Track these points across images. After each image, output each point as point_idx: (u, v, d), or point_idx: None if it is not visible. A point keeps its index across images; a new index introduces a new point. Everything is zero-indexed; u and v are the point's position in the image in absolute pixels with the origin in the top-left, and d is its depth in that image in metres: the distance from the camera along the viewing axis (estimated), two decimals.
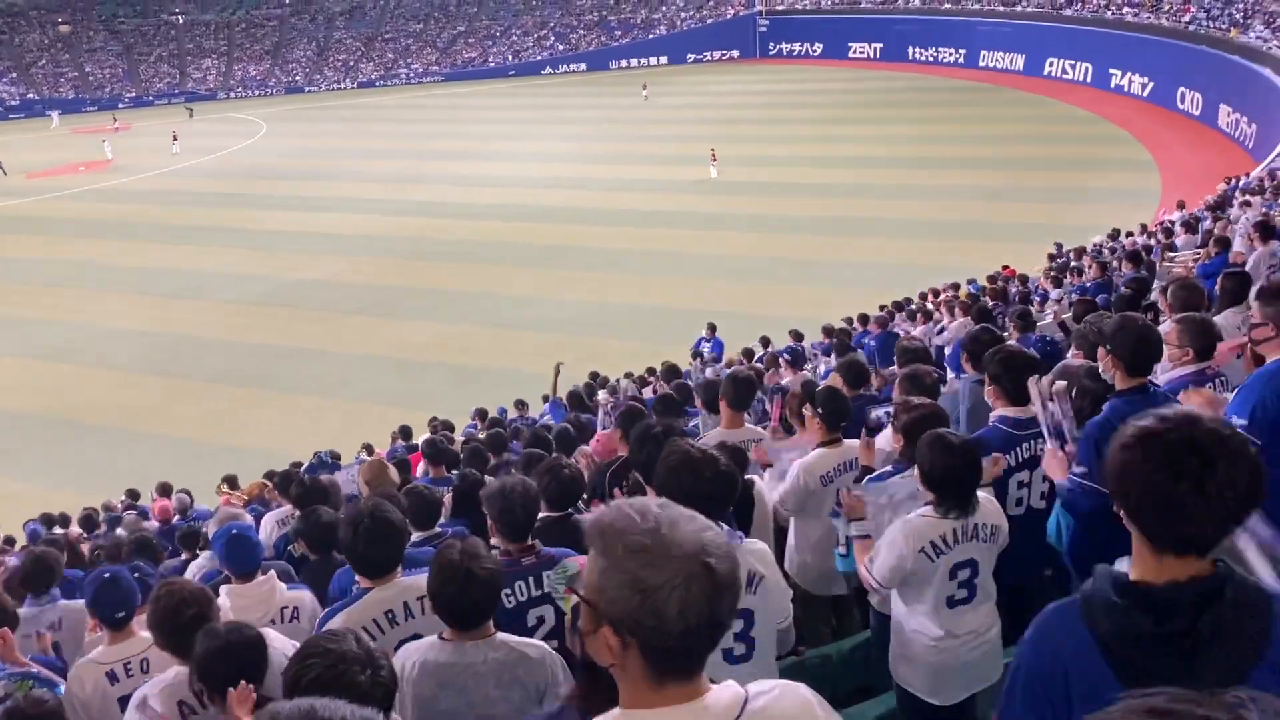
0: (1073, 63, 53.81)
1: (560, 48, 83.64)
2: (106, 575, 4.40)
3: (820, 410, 5.36)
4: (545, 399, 17.14)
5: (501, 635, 3.33)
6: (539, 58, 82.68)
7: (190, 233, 36.42)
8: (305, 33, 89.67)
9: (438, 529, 5.69)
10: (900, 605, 4.15)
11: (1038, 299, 15.39)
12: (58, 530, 12.59)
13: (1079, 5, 57.35)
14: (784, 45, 76.01)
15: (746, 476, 5.04)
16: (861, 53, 70.04)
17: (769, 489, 5.37)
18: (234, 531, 4.84)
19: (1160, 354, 4.62)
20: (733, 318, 21.14)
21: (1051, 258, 20.23)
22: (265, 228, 36.51)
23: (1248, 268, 9.81)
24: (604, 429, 8.55)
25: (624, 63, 79.21)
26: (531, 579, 3.96)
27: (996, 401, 4.81)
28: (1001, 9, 62.57)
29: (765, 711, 1.78)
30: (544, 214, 35.25)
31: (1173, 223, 19.12)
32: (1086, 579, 2.19)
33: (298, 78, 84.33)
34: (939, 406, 4.83)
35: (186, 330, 26.60)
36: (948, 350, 11.34)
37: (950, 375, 7.79)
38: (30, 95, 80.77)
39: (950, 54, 63.60)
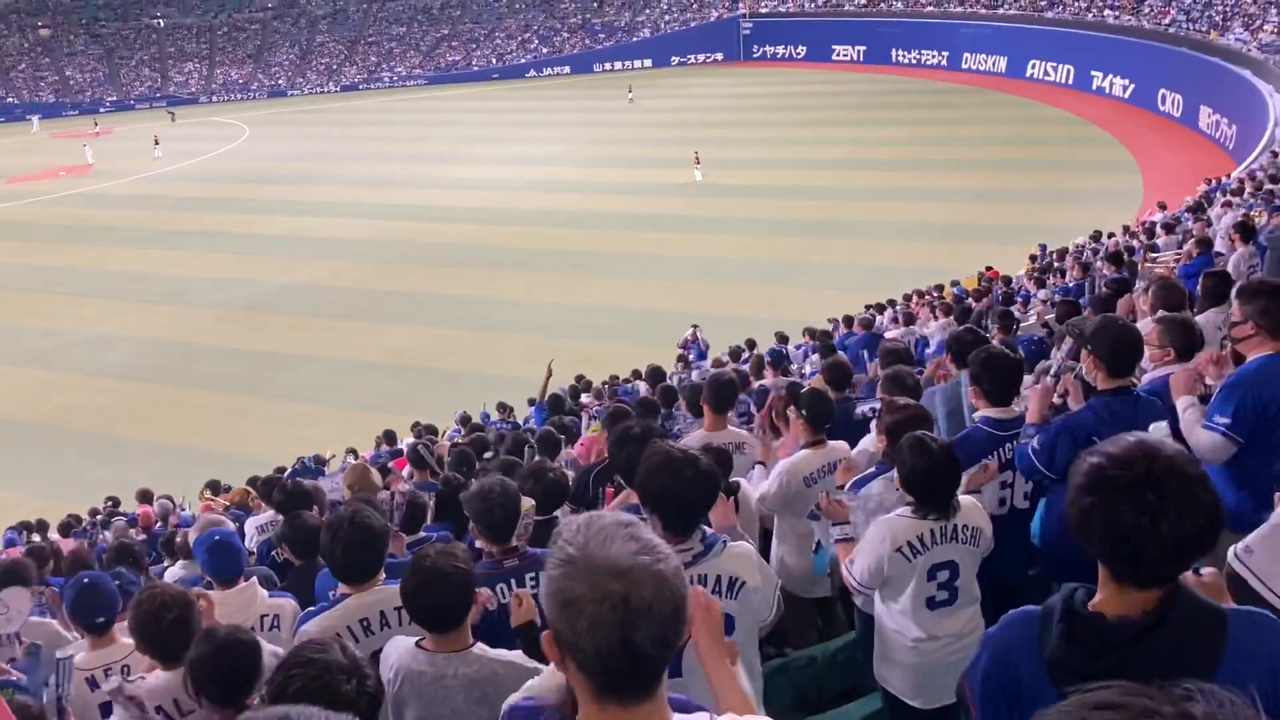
0: (1055, 65, 54.13)
1: (544, 50, 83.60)
2: (85, 580, 4.36)
3: (804, 412, 5.37)
4: (531, 403, 17.11)
5: (478, 649, 3.31)
6: (523, 61, 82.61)
7: (172, 237, 36.22)
8: (288, 36, 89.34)
9: (423, 534, 5.68)
10: (881, 606, 4.16)
11: (1021, 299, 15.46)
12: (53, 536, 12.48)
13: (1060, 8, 57.73)
14: (768, 48, 76.16)
15: (732, 479, 5.05)
16: (845, 55, 70.26)
17: (754, 489, 5.37)
18: (216, 538, 4.80)
19: (1141, 355, 4.64)
20: (718, 320, 21.18)
21: (1034, 259, 20.34)
22: (248, 232, 36.35)
23: (1228, 268, 9.87)
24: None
25: (608, 66, 79.24)
26: (514, 580, 3.94)
27: (979, 402, 4.82)
28: (984, 11, 62.92)
29: None
30: (529, 217, 35.21)
31: (1154, 224, 19.24)
32: (1061, 576, 2.23)
33: (280, 81, 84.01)
34: (922, 407, 4.83)
35: (169, 336, 26.45)
36: (930, 351, 11.38)
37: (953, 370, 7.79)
38: (10, 100, 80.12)
39: (933, 56, 63.88)
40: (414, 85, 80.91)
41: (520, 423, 15.47)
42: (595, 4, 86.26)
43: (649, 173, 40.62)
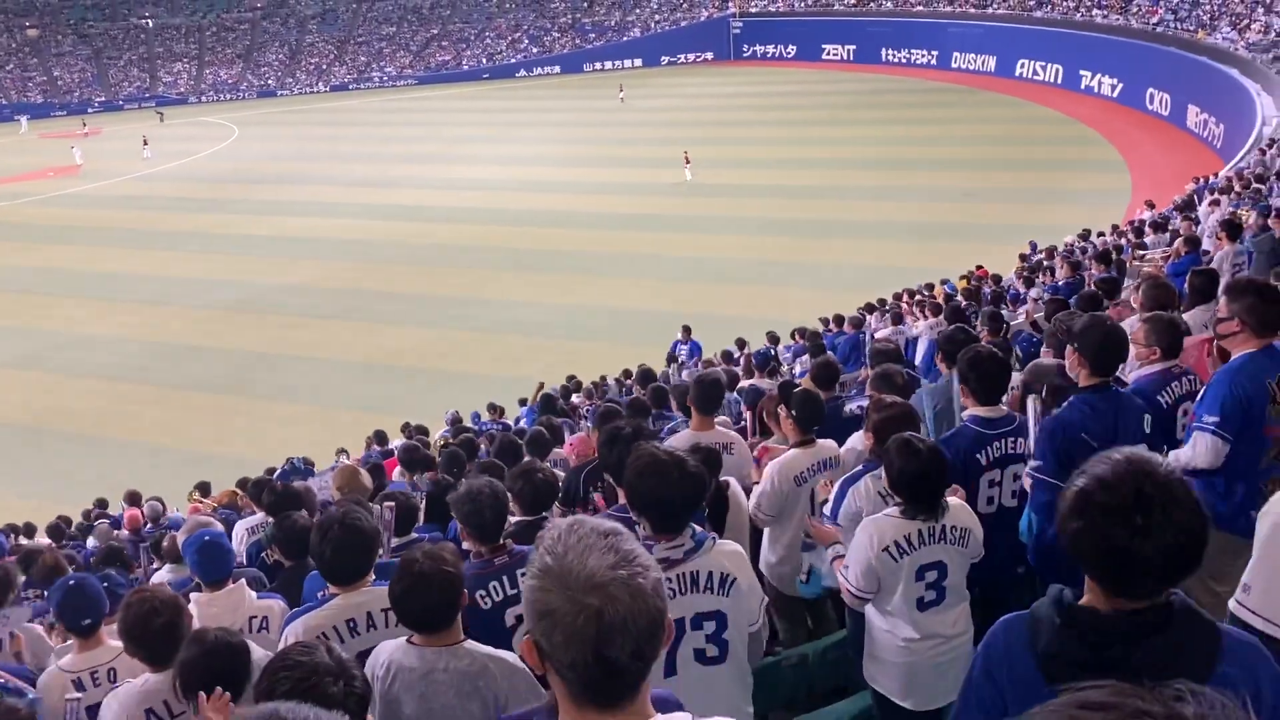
0: (1043, 64, 54.31)
1: (534, 50, 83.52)
2: (71, 582, 4.36)
3: (794, 413, 5.38)
4: (522, 403, 17.11)
5: (469, 644, 3.30)
6: (513, 60, 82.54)
7: (161, 238, 36.09)
8: (277, 36, 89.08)
9: (414, 534, 5.68)
10: (871, 606, 4.16)
11: (1011, 298, 15.51)
12: (41, 540, 12.41)
13: (1049, 7, 57.91)
14: (758, 47, 76.25)
15: (722, 478, 5.06)
16: (835, 55, 70.38)
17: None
18: (205, 538, 4.80)
19: (1126, 355, 4.67)
20: (709, 320, 21.18)
21: (1024, 258, 20.39)
22: (238, 232, 36.24)
23: (1214, 265, 9.92)
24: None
25: (598, 65, 79.21)
26: (506, 578, 3.95)
27: (967, 401, 4.84)
28: (973, 11, 63.09)
29: None
30: (520, 217, 35.18)
31: (1143, 222, 19.31)
32: (1049, 576, 2.23)
33: (270, 81, 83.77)
34: (910, 406, 4.86)
35: (158, 337, 26.35)
36: (920, 351, 11.41)
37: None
38: None
39: (923, 56, 64.02)
40: (404, 85, 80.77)
41: (510, 424, 15.46)
42: (585, 3, 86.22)
43: (639, 172, 40.62)
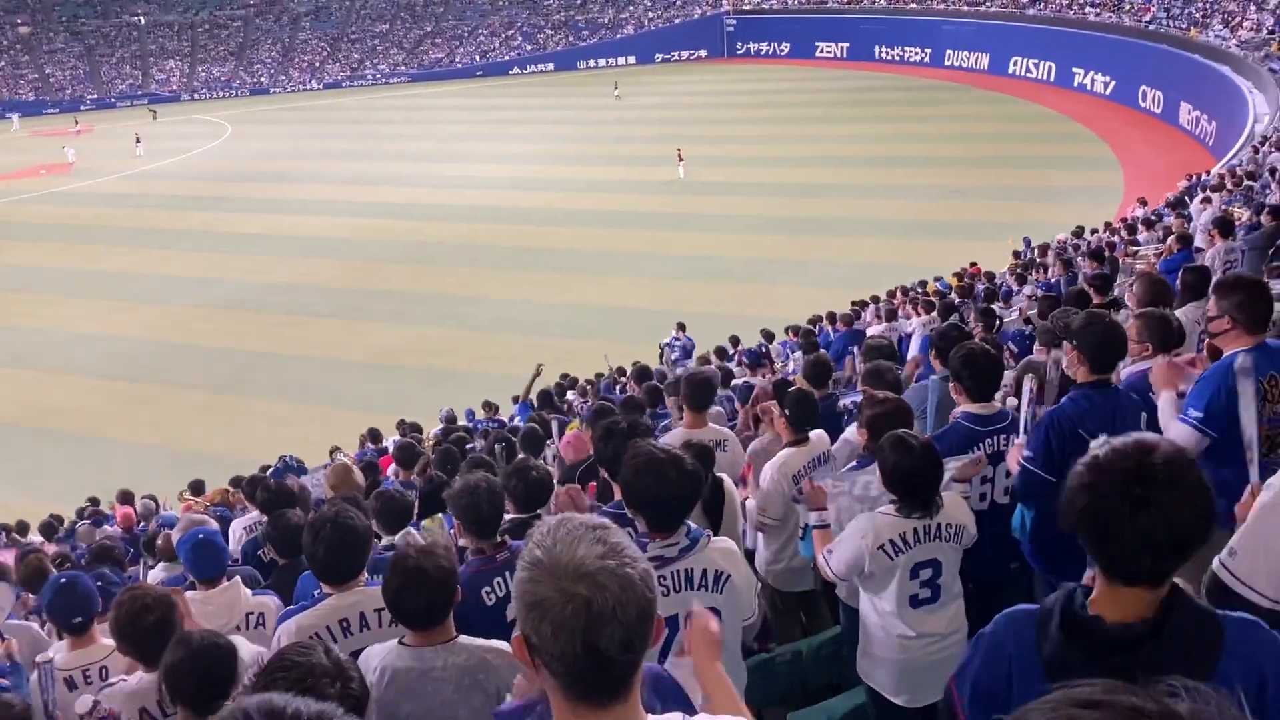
0: (1036, 62, 54.39)
1: (528, 48, 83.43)
2: (63, 580, 4.35)
3: (787, 412, 5.39)
4: (515, 400, 17.09)
5: (463, 639, 3.29)
6: (506, 58, 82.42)
7: (154, 236, 36.00)
8: (270, 34, 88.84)
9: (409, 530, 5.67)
10: (865, 602, 4.17)
11: (1003, 295, 15.55)
12: (34, 539, 12.40)
13: (1042, 5, 57.98)
14: (752, 45, 76.27)
15: (717, 474, 5.06)
16: (829, 52, 70.41)
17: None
18: (200, 536, 4.80)
19: (1125, 351, 4.68)
20: (703, 317, 21.20)
21: (1017, 255, 20.44)
22: (231, 230, 36.16)
23: (1206, 262, 9.94)
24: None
25: (592, 63, 79.15)
26: (508, 574, 3.94)
27: (959, 398, 4.85)
28: (966, 8, 63.15)
29: None
30: (514, 215, 35.15)
31: (1135, 219, 19.37)
32: (1042, 571, 2.22)
33: (263, 79, 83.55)
34: (904, 401, 4.87)
35: (151, 335, 26.29)
36: (913, 347, 11.42)
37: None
38: None
39: (916, 53, 64.08)
40: (397, 83, 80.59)
41: (505, 420, 15.46)
42: (579, 1, 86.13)
43: (633, 170, 40.61)
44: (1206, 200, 17.62)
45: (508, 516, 4.44)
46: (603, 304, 25.73)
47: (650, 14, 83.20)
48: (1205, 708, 1.20)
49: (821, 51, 70.77)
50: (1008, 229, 24.80)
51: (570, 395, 15.39)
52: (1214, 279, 5.99)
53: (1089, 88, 49.34)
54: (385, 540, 5.23)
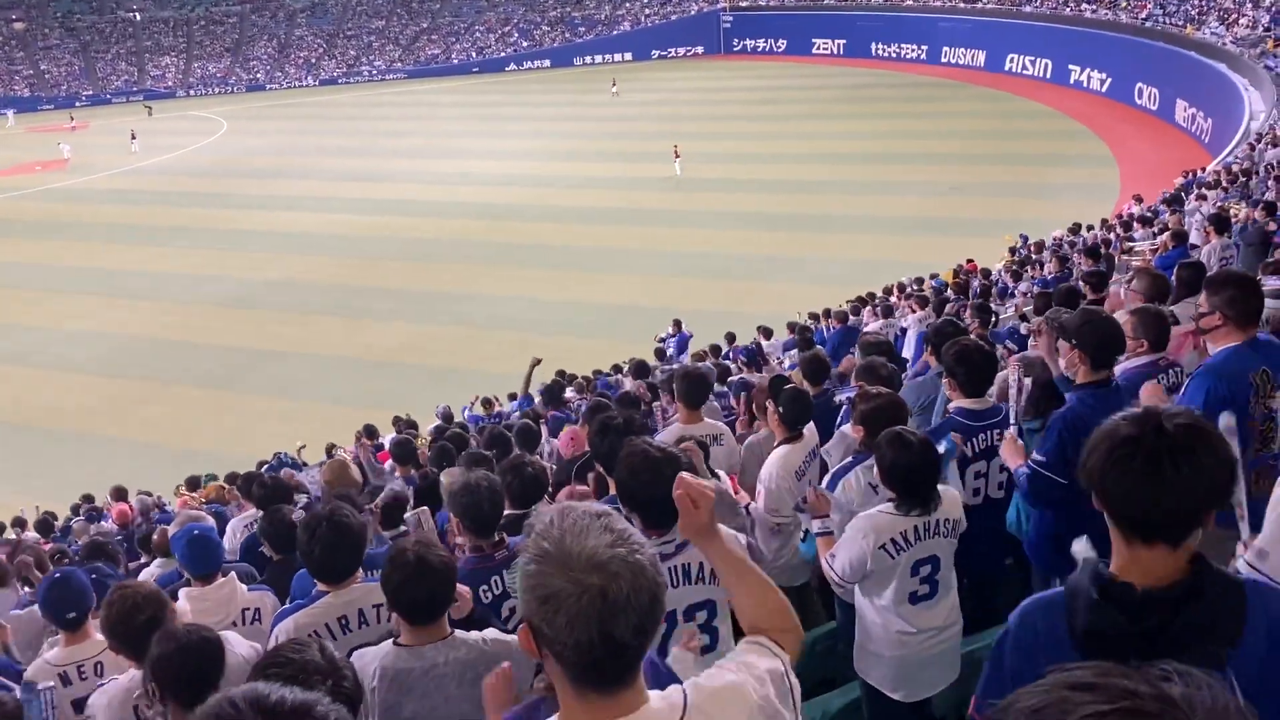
0: (1033, 59, 54.42)
1: (524, 44, 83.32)
2: (57, 575, 4.34)
3: (781, 410, 5.39)
4: (512, 397, 17.11)
5: (459, 634, 3.30)
6: (503, 54, 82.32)
7: (150, 233, 35.92)
8: (266, 30, 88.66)
9: (403, 527, 5.68)
10: (862, 599, 4.17)
11: (999, 292, 15.57)
12: (30, 535, 12.36)
13: (1038, 2, 57.98)
14: (748, 41, 76.24)
15: (713, 469, 5.07)
16: (825, 49, 70.38)
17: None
18: (195, 533, 4.79)
19: (1123, 348, 4.68)
20: (700, 314, 21.20)
21: (1013, 251, 20.46)
22: (228, 227, 36.09)
23: (1202, 259, 9.96)
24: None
25: (588, 59, 79.08)
26: (506, 572, 3.96)
27: (953, 394, 4.85)
28: (963, 6, 63.15)
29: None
30: (510, 212, 35.12)
31: (1131, 216, 19.39)
32: (1044, 568, 2.22)
33: (259, 75, 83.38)
34: (898, 396, 4.87)
35: (147, 332, 26.25)
36: (909, 343, 11.44)
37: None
38: None
39: (913, 50, 64.08)
40: (393, 79, 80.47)
41: (503, 415, 15.47)
42: None
43: (629, 167, 40.58)
44: (1202, 197, 17.66)
45: (505, 512, 4.44)
46: (599, 301, 25.72)
47: (647, 10, 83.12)
48: (1198, 692, 1.21)
49: (818, 48, 70.75)
50: (1004, 226, 24.83)
51: (569, 392, 15.40)
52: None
53: (1085, 85, 49.37)
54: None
